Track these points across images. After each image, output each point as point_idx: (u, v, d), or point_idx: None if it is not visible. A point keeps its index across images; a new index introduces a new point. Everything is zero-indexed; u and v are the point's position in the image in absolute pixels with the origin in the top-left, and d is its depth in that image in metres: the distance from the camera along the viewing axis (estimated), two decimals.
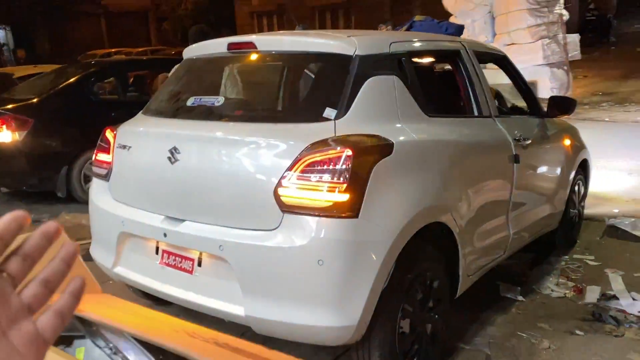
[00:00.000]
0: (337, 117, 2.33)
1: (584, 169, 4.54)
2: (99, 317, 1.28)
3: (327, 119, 2.33)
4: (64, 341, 1.39)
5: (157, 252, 2.60)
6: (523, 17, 4.94)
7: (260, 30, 22.51)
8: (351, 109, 2.36)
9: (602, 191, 5.77)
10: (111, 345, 1.29)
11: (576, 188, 4.40)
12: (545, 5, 5.00)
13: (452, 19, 5.70)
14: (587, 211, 5.08)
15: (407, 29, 4.88)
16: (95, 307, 1.40)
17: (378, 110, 2.48)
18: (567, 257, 4.26)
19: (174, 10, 24.91)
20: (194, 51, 3.05)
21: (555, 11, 5.20)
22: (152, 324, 1.35)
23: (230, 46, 2.78)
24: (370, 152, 2.27)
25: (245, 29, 22.22)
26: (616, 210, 5.17)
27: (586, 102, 11.39)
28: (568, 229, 4.36)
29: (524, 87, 3.89)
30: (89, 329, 1.34)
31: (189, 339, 1.23)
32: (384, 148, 2.31)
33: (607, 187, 5.93)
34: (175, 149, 2.48)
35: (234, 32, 21.36)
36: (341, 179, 2.15)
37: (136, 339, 1.26)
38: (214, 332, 1.27)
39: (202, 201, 2.44)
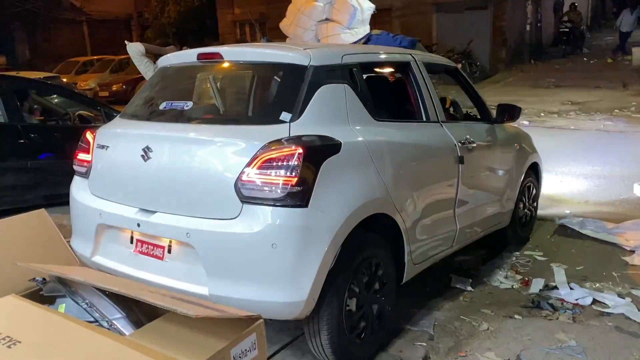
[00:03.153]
0: (292, 120, 2.64)
1: (534, 172, 4.88)
2: (78, 278, 1.57)
3: (283, 122, 2.64)
4: (48, 300, 1.68)
5: (131, 242, 2.88)
6: (339, 40, 5.81)
7: (243, 38, 22.80)
8: (305, 113, 2.68)
9: (558, 193, 6.16)
10: (87, 301, 1.58)
11: (526, 189, 4.74)
12: (355, 29, 5.95)
13: (287, 41, 6.48)
14: (542, 212, 5.45)
15: (365, 42, 5.26)
16: (75, 273, 1.69)
17: (329, 114, 2.79)
18: (518, 253, 4.60)
19: (156, 18, 25.07)
20: (167, 60, 3.36)
21: (362, 34, 6.04)
22: (123, 285, 1.64)
23: (200, 56, 3.10)
24: (320, 150, 2.59)
25: (228, 37, 22.47)
26: (568, 211, 5.55)
27: (555, 111, 11.87)
28: (519, 227, 4.70)
29: (475, 95, 4.24)
30: (68, 289, 1.62)
31: (149, 293, 1.52)
32: (332, 147, 2.63)
33: (564, 190, 6.32)
34: (148, 147, 2.78)
35: (217, 40, 21.62)
36: (293, 173, 2.46)
37: (107, 295, 1.56)
38: (168, 291, 1.57)
39: (172, 194, 2.73)
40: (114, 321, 1.53)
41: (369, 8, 6.16)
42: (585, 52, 20.56)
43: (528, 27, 19.61)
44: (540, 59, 19.81)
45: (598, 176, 6.77)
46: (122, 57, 19.23)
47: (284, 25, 6.29)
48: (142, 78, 6.34)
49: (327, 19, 5.99)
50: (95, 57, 21.22)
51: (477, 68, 17.15)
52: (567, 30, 20.46)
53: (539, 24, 20.57)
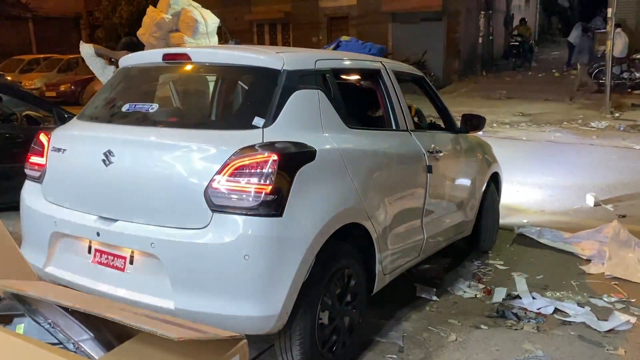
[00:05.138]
0: (265, 126, 2.54)
1: (495, 181, 4.94)
2: (38, 295, 1.41)
3: (256, 127, 2.54)
4: (4, 320, 1.51)
5: (89, 251, 2.71)
6: None
7: None
8: (278, 118, 2.58)
9: (515, 203, 6.28)
10: (49, 320, 1.42)
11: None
12: (200, 40, 6.79)
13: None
14: (501, 221, 5.52)
15: (334, 48, 5.24)
16: (35, 289, 1.53)
17: (303, 120, 2.71)
18: (479, 262, 4.63)
19: (108, 18, 24.32)
20: (130, 60, 3.19)
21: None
22: (86, 302, 1.50)
23: (166, 57, 2.95)
24: (295, 158, 2.50)
25: None
26: (525, 221, 5.65)
27: (507, 122, 12.18)
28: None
29: (440, 105, 4.25)
30: (28, 307, 1.47)
31: (120, 312, 1.39)
32: (307, 154, 2.55)
33: (520, 199, 6.46)
34: (109, 152, 2.61)
35: None
36: (267, 181, 2.36)
37: (72, 314, 1.41)
38: (142, 310, 1.44)
39: (135, 202, 2.58)
40: (80, 343, 1.39)
41: (214, 22, 6.83)
42: (534, 65, 21.30)
43: (480, 40, 20.16)
44: (492, 71, 20.39)
45: (552, 186, 6.96)
46: (71, 56, 18.56)
47: (140, 34, 6.76)
48: (93, 79, 6.19)
49: (176, 30, 6.60)
50: (42, 56, 20.39)
51: (431, 78, 17.43)
52: (517, 44, 21.14)
53: (490, 37, 21.17)
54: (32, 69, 19.05)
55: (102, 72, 4.98)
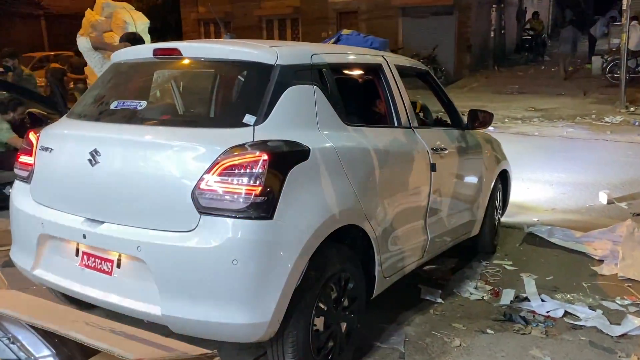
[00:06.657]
0: (256, 123, 2.43)
1: (504, 179, 4.79)
2: None
3: (247, 125, 2.42)
4: None
5: (77, 254, 2.62)
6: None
7: (207, 37, 22.37)
8: (270, 116, 2.46)
9: (524, 201, 6.12)
10: (9, 335, 1.33)
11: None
12: None
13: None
14: (510, 219, 5.38)
15: (335, 42, 5.10)
16: None
17: (297, 117, 2.59)
18: (487, 262, 4.49)
19: None
20: (120, 56, 3.09)
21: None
22: (53, 315, 1.40)
23: (156, 52, 2.84)
24: (287, 157, 2.38)
25: (191, 36, 22.03)
26: (535, 219, 5.50)
27: (519, 117, 11.97)
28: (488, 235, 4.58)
29: (446, 101, 4.10)
30: None
31: (85, 327, 1.28)
32: (300, 153, 2.43)
33: (530, 197, 6.29)
34: (95, 151, 2.51)
35: (180, 39, 21.16)
36: (257, 182, 2.25)
37: (35, 329, 1.31)
38: (110, 322, 1.34)
39: (122, 203, 2.48)
40: None
41: (143, 23, 7.32)
42: (547, 59, 20.95)
43: (492, 34, 19.87)
44: (504, 66, 20.08)
45: (564, 183, 6.78)
46: None
47: (79, 34, 7.11)
48: None
49: (109, 30, 7.06)
50: (52, 53, 20.46)
51: (441, 73, 17.22)
52: (529, 37, 20.84)
53: (502, 31, 20.88)
54: (42, 66, 19.08)
55: (100, 67, 4.90)
